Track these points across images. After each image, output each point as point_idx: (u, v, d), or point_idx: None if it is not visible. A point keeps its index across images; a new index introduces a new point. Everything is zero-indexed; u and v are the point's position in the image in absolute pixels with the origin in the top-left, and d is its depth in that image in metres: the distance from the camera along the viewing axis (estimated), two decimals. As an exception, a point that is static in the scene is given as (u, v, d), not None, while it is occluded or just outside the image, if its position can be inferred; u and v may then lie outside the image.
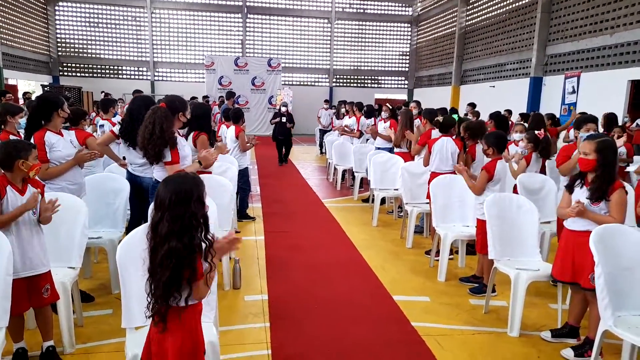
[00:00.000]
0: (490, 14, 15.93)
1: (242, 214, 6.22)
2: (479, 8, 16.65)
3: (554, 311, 3.69)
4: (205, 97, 15.78)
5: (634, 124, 8.80)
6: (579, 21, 11.64)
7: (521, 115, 9.11)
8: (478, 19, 16.74)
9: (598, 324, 2.76)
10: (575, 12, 11.74)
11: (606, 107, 8.22)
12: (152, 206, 1.91)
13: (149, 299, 1.88)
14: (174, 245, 1.81)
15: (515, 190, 4.45)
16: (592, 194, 2.99)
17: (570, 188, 3.16)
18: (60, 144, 3.50)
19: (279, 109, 11.38)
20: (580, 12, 11.56)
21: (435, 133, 5.80)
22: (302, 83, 22.17)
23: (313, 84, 22.38)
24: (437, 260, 4.52)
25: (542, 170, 5.37)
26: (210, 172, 4.52)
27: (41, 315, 2.80)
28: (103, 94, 13.19)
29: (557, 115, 8.83)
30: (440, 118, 5.14)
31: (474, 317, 3.62)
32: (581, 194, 3.07)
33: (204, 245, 1.89)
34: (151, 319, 1.92)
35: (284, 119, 11.07)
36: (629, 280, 2.79)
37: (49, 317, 2.82)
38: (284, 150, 11.50)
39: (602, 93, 10.56)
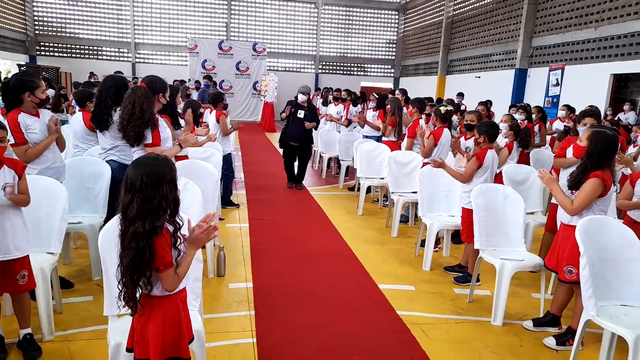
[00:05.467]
0: (477, 4, 15.92)
1: (226, 200, 6.14)
2: (467, -3, 16.63)
3: (536, 301, 3.74)
4: (182, 81, 15.50)
5: (616, 118, 8.94)
6: (564, 14, 11.71)
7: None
8: (465, 9, 16.72)
9: (582, 314, 2.80)
10: (561, 4, 11.80)
11: (589, 100, 8.33)
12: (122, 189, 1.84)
13: (119, 287, 1.82)
14: (139, 228, 1.75)
15: (497, 181, 4.48)
16: (569, 182, 3.02)
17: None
18: (37, 125, 3.33)
19: (295, 97, 7.04)
20: (566, 4, 11.62)
21: (423, 123, 5.77)
22: (287, 69, 21.91)
23: (299, 70, 22.14)
24: (423, 249, 4.54)
25: (524, 162, 5.45)
26: (187, 157, 4.43)
27: (18, 302, 2.72)
28: (89, 74, 12.71)
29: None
30: (442, 109, 5.02)
31: (458, 306, 3.65)
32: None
33: (171, 229, 1.84)
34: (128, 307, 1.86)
35: (301, 114, 6.80)
36: (612, 271, 2.83)
37: (27, 304, 2.74)
38: (296, 165, 7.31)
39: (585, 86, 10.68)
